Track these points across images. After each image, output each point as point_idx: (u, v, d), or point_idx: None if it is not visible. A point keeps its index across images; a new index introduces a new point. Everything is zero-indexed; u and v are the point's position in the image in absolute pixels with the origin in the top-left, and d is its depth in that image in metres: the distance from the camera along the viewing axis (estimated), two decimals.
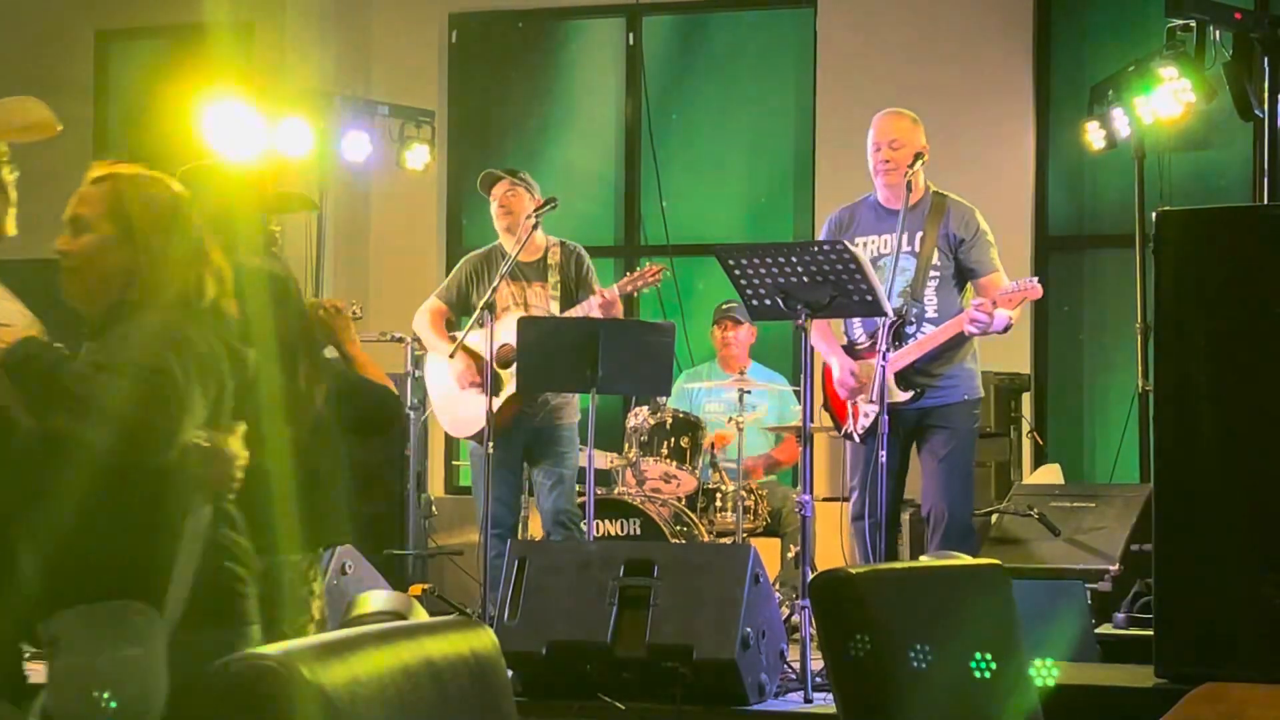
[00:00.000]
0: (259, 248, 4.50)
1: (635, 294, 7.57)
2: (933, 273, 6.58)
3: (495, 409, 7.04)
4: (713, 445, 8.05)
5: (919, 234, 6.60)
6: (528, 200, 7.33)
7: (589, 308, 7.17)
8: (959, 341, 6.59)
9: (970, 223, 6.64)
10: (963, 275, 6.65)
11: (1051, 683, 5.52)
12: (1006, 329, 6.55)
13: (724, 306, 8.57)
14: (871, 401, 6.46)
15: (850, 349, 6.71)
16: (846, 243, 6.11)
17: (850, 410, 6.64)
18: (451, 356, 7.21)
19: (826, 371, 6.79)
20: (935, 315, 6.57)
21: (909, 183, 6.51)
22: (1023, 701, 3.24)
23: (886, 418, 6.29)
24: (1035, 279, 6.53)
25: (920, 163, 6.57)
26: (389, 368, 5.90)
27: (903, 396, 6.52)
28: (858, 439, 6.58)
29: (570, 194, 8.95)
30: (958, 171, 7.91)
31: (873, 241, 6.61)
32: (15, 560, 3.36)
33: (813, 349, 6.15)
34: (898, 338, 6.54)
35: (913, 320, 6.55)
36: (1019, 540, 6.86)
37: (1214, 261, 5.41)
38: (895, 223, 6.57)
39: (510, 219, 7.32)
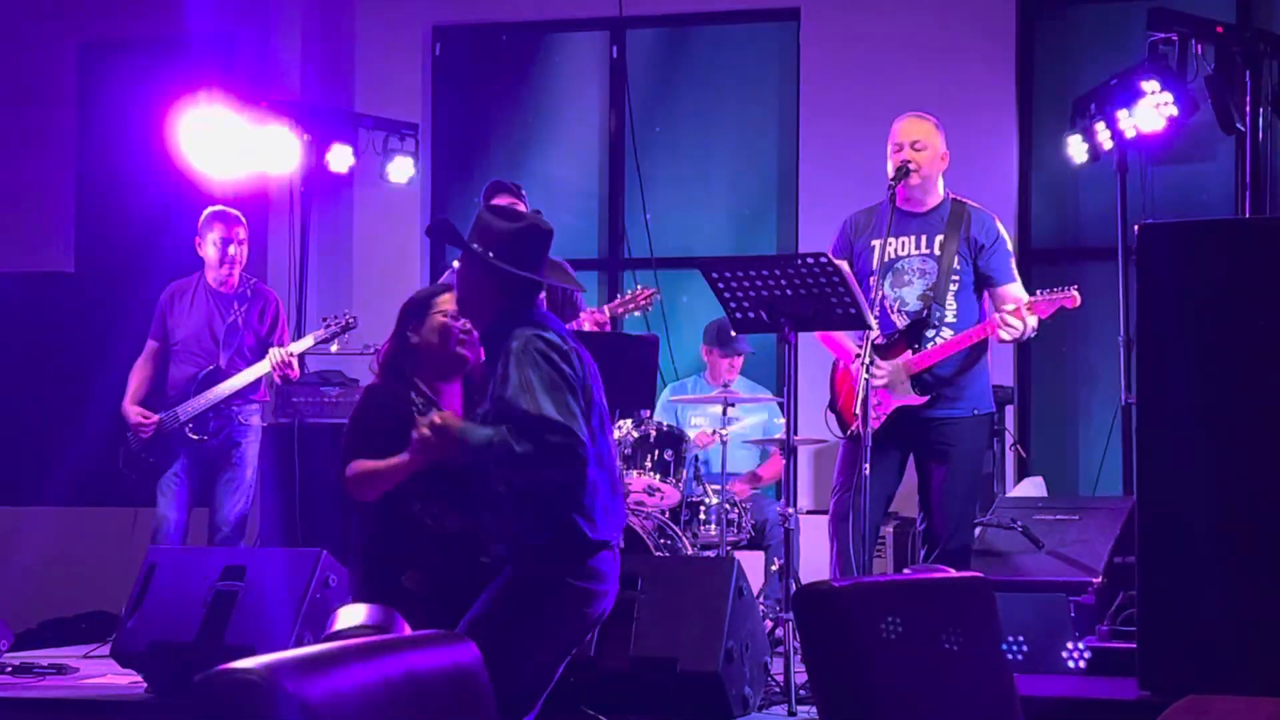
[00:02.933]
0: None
1: (625, 315, 7.56)
2: (954, 277, 6.55)
3: None
4: (696, 458, 8.06)
5: (938, 237, 6.58)
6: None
7: (577, 326, 7.17)
8: (975, 353, 6.56)
9: (991, 230, 6.62)
10: (980, 283, 6.63)
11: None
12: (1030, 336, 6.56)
13: (734, 335, 8.51)
14: (890, 398, 6.44)
15: (877, 348, 6.58)
16: (830, 255, 6.10)
17: (859, 410, 6.48)
18: None
19: (840, 372, 6.74)
20: (954, 321, 6.53)
21: (921, 181, 6.52)
22: (1005, 714, 3.24)
23: (872, 430, 6.26)
24: (1075, 287, 6.47)
25: (942, 167, 6.61)
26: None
27: (919, 400, 6.50)
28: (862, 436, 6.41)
29: (554, 207, 8.94)
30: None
31: (892, 244, 6.58)
32: None
33: (797, 361, 6.13)
34: (917, 340, 6.52)
35: (934, 324, 6.52)
36: (1002, 553, 6.87)
37: (1196, 275, 5.42)
38: (915, 225, 6.57)
39: None
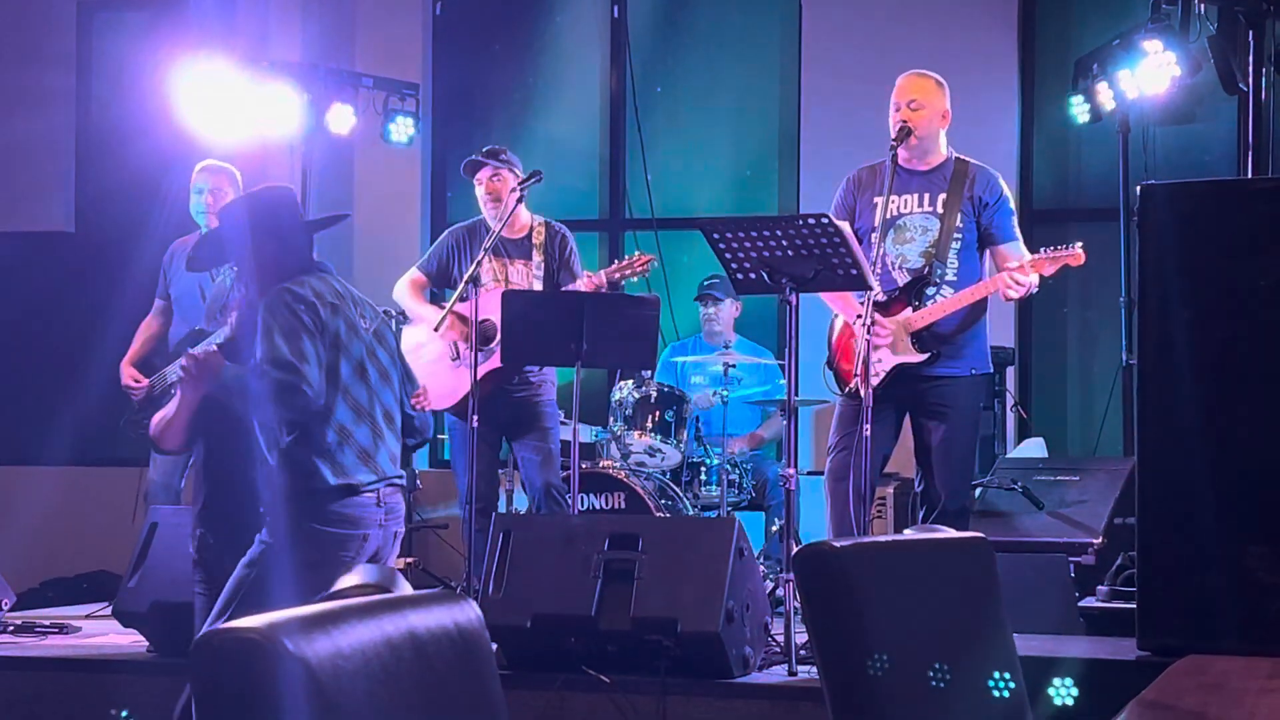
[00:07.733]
0: None
1: (622, 280, 7.53)
2: (956, 235, 6.54)
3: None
4: (697, 418, 8.07)
5: (941, 195, 6.57)
6: (512, 181, 7.26)
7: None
8: (975, 313, 6.55)
9: (994, 187, 6.61)
10: (983, 241, 6.62)
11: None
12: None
13: (705, 283, 8.61)
14: (890, 355, 6.42)
15: (878, 305, 6.53)
16: (832, 216, 6.08)
17: (859, 370, 6.44)
18: (436, 329, 7.19)
19: (839, 330, 6.71)
20: (955, 279, 6.53)
21: (922, 143, 6.51)
22: (1006, 674, 3.24)
23: (872, 391, 6.25)
24: (1080, 244, 6.46)
25: (942, 126, 6.58)
26: None
27: (918, 357, 6.48)
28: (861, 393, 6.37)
29: (555, 167, 8.92)
30: None
31: (894, 201, 6.57)
32: None
33: (798, 322, 6.11)
34: (918, 297, 6.51)
35: (935, 282, 6.52)
36: (1003, 514, 6.88)
37: (1197, 235, 5.41)
38: (917, 183, 6.56)
39: (497, 206, 7.26)
